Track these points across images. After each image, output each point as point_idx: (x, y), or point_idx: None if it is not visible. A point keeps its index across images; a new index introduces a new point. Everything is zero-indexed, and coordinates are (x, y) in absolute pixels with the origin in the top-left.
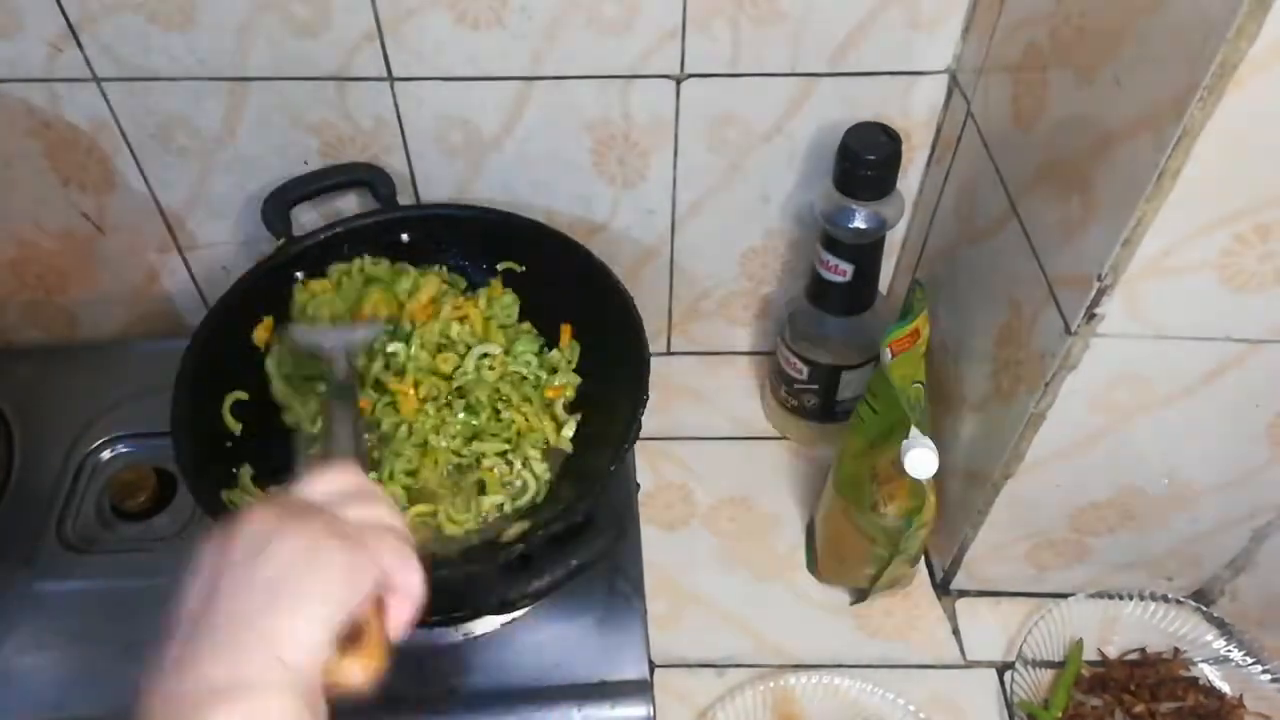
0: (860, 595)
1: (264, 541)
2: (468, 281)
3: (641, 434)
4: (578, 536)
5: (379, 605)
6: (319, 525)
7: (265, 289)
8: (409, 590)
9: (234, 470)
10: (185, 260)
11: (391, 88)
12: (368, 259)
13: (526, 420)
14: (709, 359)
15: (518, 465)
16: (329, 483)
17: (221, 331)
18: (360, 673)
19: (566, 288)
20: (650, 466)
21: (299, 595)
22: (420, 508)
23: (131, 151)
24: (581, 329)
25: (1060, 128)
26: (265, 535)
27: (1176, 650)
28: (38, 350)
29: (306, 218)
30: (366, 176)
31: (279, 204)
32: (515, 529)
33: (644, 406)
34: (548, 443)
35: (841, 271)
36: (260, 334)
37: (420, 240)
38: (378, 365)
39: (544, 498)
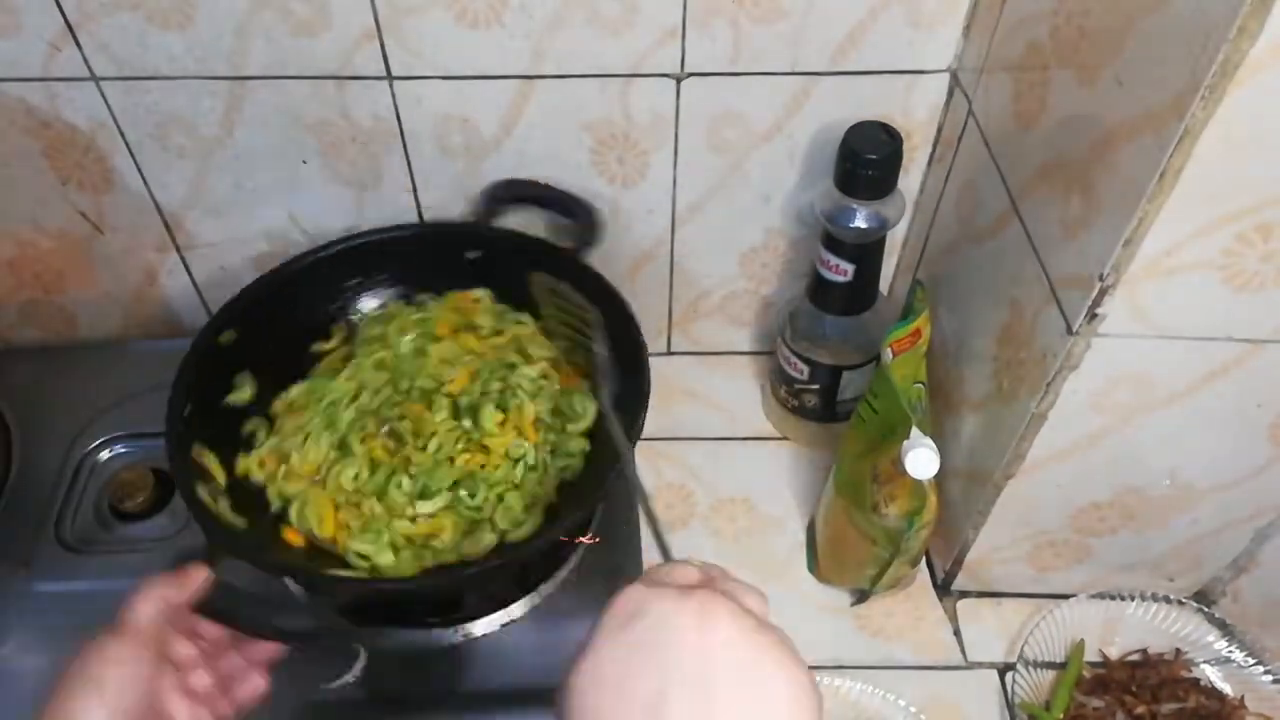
0: (861, 596)
1: (751, 640)
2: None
3: (642, 434)
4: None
5: None
6: (754, 626)
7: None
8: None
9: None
10: (184, 260)
11: (391, 87)
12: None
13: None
14: (709, 359)
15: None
16: (688, 573)
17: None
18: None
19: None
20: (650, 466)
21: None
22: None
23: (130, 151)
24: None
25: (1061, 127)
26: (747, 631)
27: (1178, 651)
28: (36, 350)
29: (309, 217)
30: (582, 216)
31: (496, 197)
32: (516, 535)
33: (643, 419)
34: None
35: (842, 271)
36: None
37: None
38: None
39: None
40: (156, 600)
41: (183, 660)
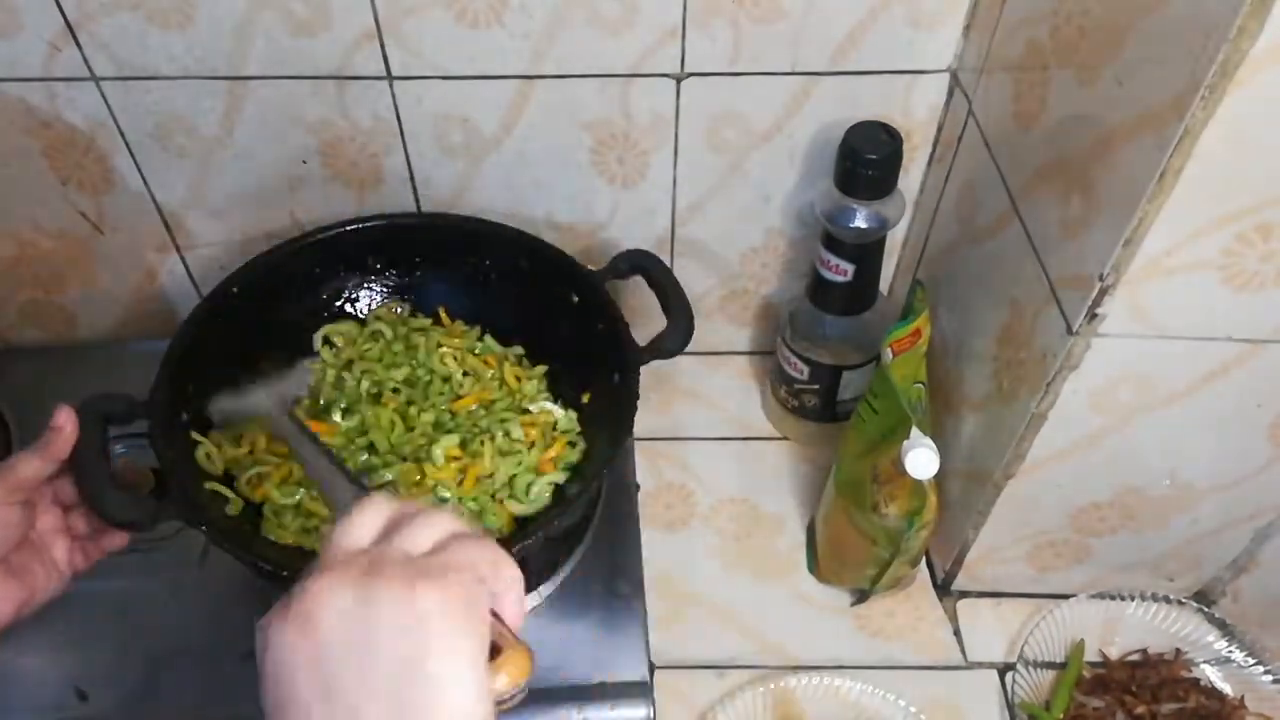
0: (861, 596)
1: (355, 622)
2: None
3: (642, 434)
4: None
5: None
6: (399, 573)
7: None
8: (509, 580)
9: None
10: (184, 260)
11: (391, 87)
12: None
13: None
14: (709, 359)
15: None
16: (371, 520)
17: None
18: (516, 676)
19: (554, 294)
20: (650, 466)
21: (441, 661)
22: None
23: (130, 151)
24: (572, 337)
25: (1061, 127)
26: (351, 615)
27: (1178, 651)
28: (36, 350)
29: (309, 217)
30: (653, 271)
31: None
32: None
33: (633, 413)
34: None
35: (842, 271)
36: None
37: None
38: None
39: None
40: (36, 457)
41: (66, 500)
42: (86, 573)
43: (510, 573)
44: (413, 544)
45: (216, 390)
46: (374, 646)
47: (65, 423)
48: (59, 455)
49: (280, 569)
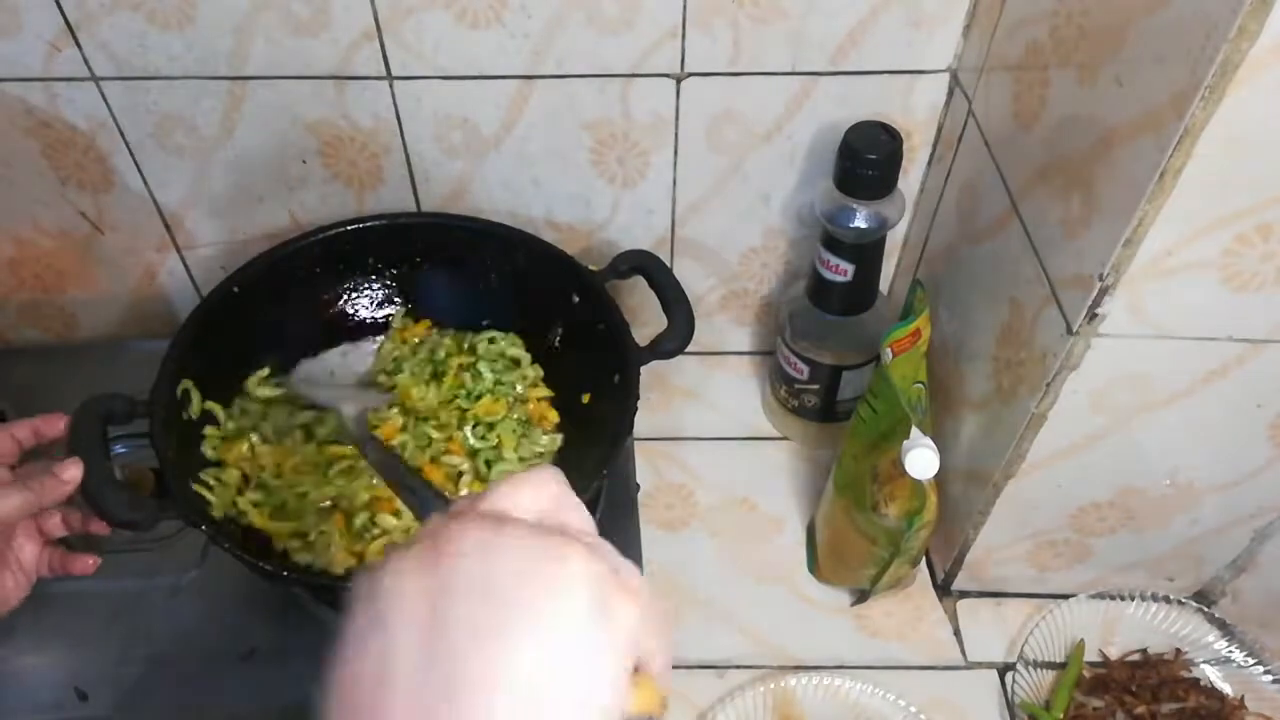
0: (861, 596)
1: (512, 561)
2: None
3: (642, 434)
4: None
5: None
6: (568, 539)
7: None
8: (664, 614)
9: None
10: (183, 260)
11: (390, 87)
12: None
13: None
14: (709, 359)
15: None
16: (531, 494)
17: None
18: (642, 707)
19: (554, 294)
20: (650, 466)
21: (597, 643)
22: None
23: (130, 151)
24: (570, 335)
25: (1062, 127)
26: (505, 554)
27: (1178, 651)
28: (36, 349)
29: (309, 216)
30: (678, 319)
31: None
32: None
33: (633, 414)
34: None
35: (842, 271)
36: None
37: (400, 245)
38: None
39: None
40: (25, 495)
41: (49, 497)
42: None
43: (664, 607)
44: (578, 519)
45: (217, 390)
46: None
47: (72, 474)
48: (52, 501)
49: (280, 569)
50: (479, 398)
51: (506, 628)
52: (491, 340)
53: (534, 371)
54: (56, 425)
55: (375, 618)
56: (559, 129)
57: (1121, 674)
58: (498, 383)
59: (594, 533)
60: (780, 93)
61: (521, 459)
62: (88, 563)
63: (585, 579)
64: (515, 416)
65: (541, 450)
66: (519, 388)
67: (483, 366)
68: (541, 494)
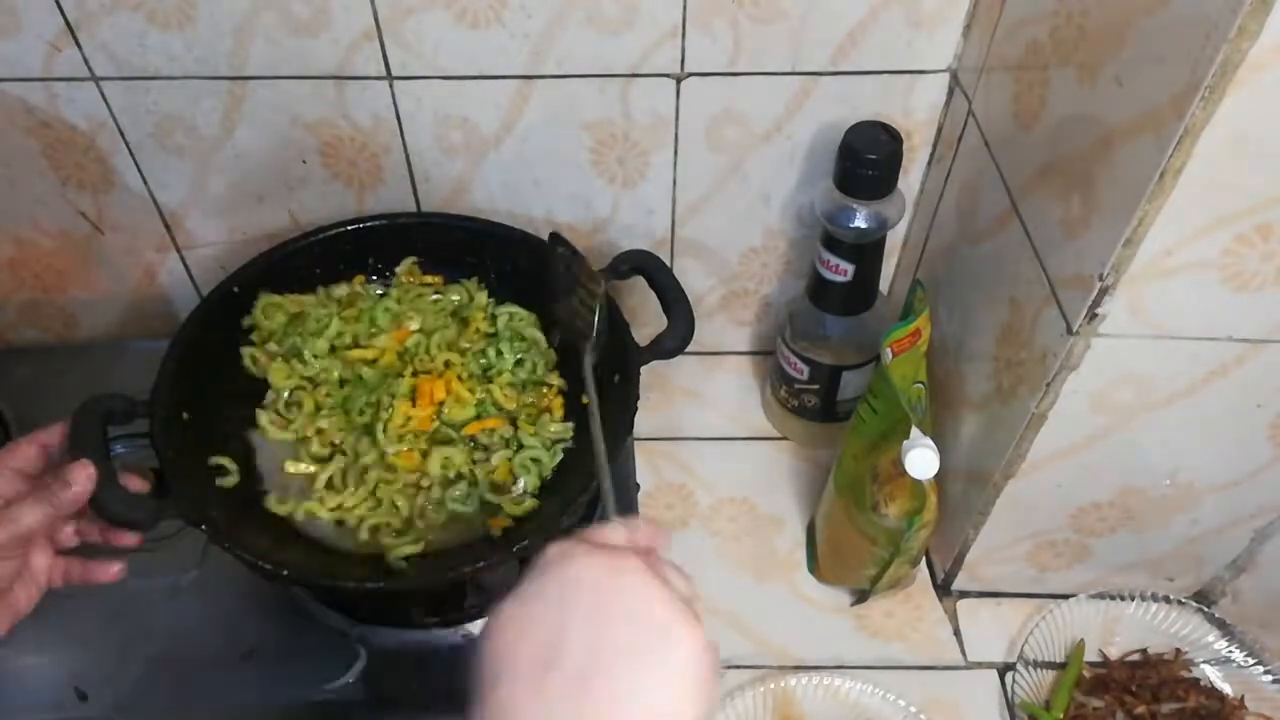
0: (861, 596)
1: (629, 599)
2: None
3: (642, 434)
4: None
5: None
6: (688, 621)
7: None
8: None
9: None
10: (183, 260)
11: (390, 86)
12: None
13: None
14: (709, 359)
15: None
16: (638, 539)
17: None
18: None
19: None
20: (650, 466)
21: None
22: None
23: (130, 151)
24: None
25: (1061, 127)
26: (623, 590)
27: (1178, 651)
28: (36, 349)
29: (309, 216)
30: (678, 318)
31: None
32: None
33: (633, 414)
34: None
35: (842, 271)
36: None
37: (402, 244)
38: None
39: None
40: (41, 506)
41: (65, 506)
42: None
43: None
44: (675, 578)
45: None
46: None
47: (82, 479)
48: (69, 509)
49: (280, 568)
50: (498, 373)
51: (639, 663)
52: (511, 316)
53: (551, 355)
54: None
55: (557, 592)
56: (559, 129)
57: (1121, 674)
58: (516, 363)
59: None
60: (780, 93)
61: (541, 441)
62: (111, 570)
63: (696, 654)
64: (530, 400)
65: (555, 436)
66: (538, 369)
67: (504, 347)
68: (671, 574)
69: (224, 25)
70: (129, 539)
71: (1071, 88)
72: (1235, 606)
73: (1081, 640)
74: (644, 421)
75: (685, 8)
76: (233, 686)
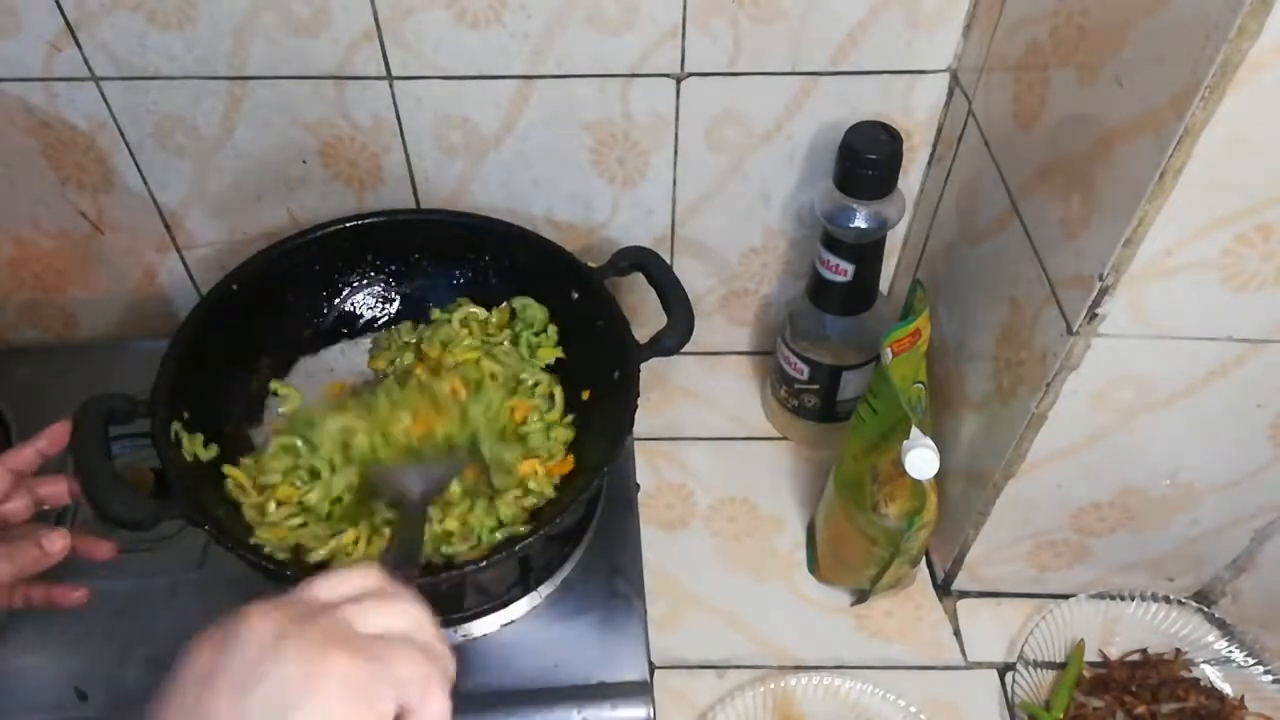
0: (861, 596)
1: (262, 651)
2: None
3: (642, 434)
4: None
5: None
6: (325, 633)
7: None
8: (434, 714)
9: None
10: (183, 260)
11: (390, 86)
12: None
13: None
14: (709, 359)
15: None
16: (346, 583)
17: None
18: None
19: (553, 291)
20: (650, 466)
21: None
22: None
23: (130, 151)
24: (569, 333)
25: (1061, 127)
26: (264, 645)
27: (1178, 651)
28: (36, 349)
29: (308, 216)
30: (678, 317)
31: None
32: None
33: (633, 411)
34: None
35: (842, 271)
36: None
37: (399, 243)
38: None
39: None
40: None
41: (31, 569)
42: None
43: (438, 707)
44: (363, 620)
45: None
46: (256, 683)
47: (57, 549)
48: (34, 572)
49: (282, 568)
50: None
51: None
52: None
53: (555, 334)
54: (61, 440)
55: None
56: (559, 129)
57: (1121, 674)
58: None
59: (396, 624)
60: (780, 93)
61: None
62: (72, 596)
63: (331, 683)
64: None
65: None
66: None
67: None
68: (356, 585)
69: (224, 25)
70: (103, 551)
71: (1071, 88)
72: (1235, 606)
73: (1081, 640)
74: (644, 421)
75: (685, 8)
76: None
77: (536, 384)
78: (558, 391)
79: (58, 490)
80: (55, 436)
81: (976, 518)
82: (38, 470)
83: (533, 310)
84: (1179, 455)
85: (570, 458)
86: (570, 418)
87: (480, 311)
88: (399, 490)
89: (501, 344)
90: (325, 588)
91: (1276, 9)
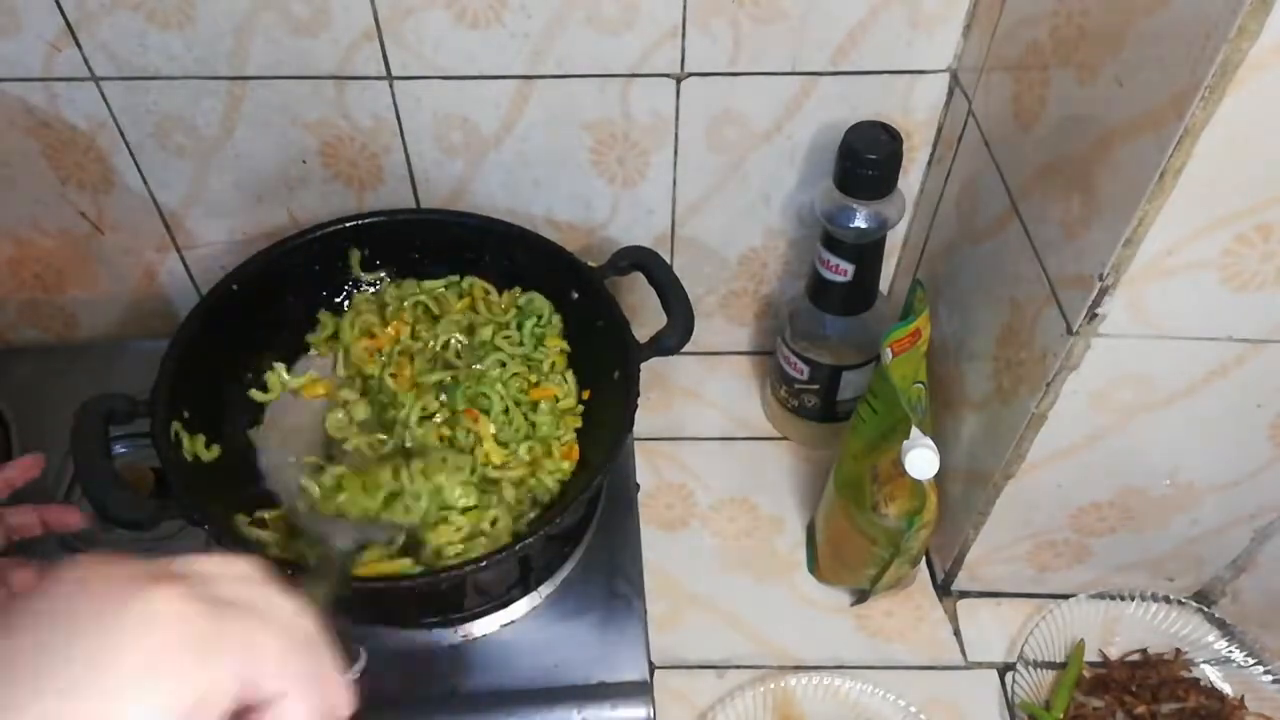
0: (861, 596)
1: (62, 589)
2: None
3: (642, 434)
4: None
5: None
6: (148, 571)
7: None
8: (305, 709)
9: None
10: (183, 260)
11: (390, 86)
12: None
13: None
14: (709, 359)
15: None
16: (216, 563)
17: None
18: None
19: (553, 290)
20: (650, 466)
21: (103, 656)
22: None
23: (130, 151)
24: (569, 332)
25: (1061, 127)
26: (68, 585)
27: (1178, 651)
28: (36, 349)
29: (308, 216)
30: (653, 268)
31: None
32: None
33: (634, 410)
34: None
35: (842, 271)
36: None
37: (399, 242)
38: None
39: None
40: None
41: None
42: None
43: (313, 696)
44: (219, 586)
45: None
46: (67, 616)
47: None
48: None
49: (283, 567)
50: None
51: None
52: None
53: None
54: (30, 471)
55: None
56: (559, 129)
57: (1121, 674)
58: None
59: (270, 608)
60: (780, 93)
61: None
62: (68, 518)
63: (165, 617)
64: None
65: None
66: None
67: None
68: (232, 568)
69: (224, 25)
70: (73, 519)
71: (1071, 88)
72: (1235, 606)
73: (1081, 640)
74: (644, 421)
75: (685, 8)
76: None
77: (553, 364)
78: (569, 376)
79: (28, 521)
80: (24, 467)
81: (976, 518)
82: (8, 500)
83: (538, 302)
84: (1179, 455)
85: (577, 447)
86: (581, 407)
87: (486, 285)
88: (326, 537)
89: (508, 324)
90: (182, 560)
91: (1276, 9)
